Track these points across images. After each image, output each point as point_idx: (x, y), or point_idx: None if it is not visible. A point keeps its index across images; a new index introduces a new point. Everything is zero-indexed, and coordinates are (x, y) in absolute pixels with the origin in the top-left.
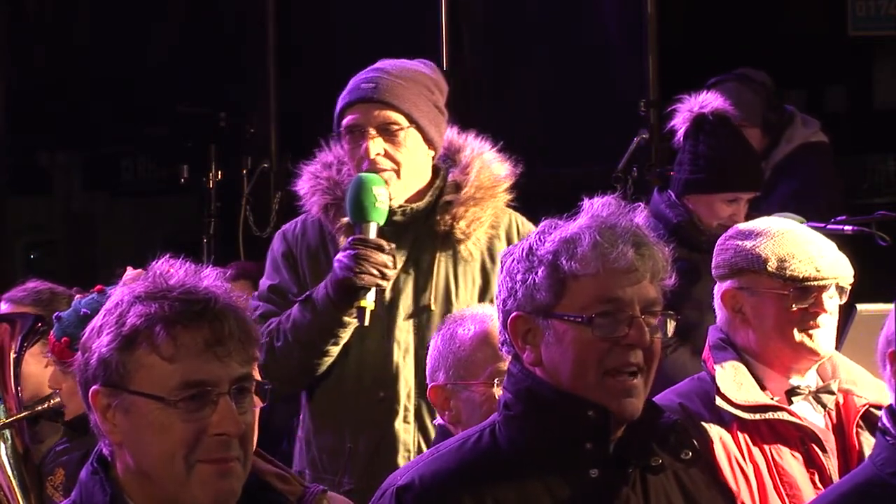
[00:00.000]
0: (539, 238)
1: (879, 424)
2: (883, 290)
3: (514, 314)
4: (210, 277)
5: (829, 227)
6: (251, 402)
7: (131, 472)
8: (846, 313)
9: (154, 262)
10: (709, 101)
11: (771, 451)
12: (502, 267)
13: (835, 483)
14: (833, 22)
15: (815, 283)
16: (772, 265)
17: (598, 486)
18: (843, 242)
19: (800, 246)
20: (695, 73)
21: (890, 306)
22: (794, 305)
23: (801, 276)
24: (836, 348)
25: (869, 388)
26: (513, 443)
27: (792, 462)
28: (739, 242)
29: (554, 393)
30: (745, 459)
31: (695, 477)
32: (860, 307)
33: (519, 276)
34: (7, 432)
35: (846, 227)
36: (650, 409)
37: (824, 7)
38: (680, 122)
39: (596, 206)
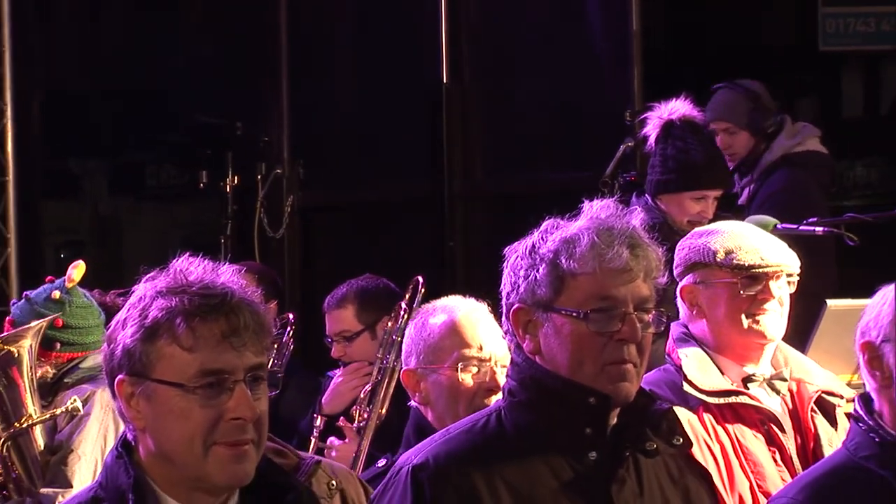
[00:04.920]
0: (541, 237)
1: (853, 412)
2: (851, 286)
3: (515, 306)
4: (227, 274)
5: (801, 228)
6: (265, 389)
7: (153, 456)
8: (817, 308)
9: (174, 261)
10: (677, 108)
11: (735, 433)
12: (506, 262)
13: (811, 466)
14: (805, 38)
15: (761, 270)
16: (721, 257)
17: (597, 467)
18: (823, 242)
19: (745, 239)
20: (677, 85)
21: (858, 301)
22: (742, 292)
23: (747, 265)
24: (807, 341)
25: (818, 377)
26: (518, 427)
27: (754, 442)
28: (693, 241)
29: (557, 381)
30: (712, 440)
31: (678, 462)
32: (830, 302)
33: (522, 272)
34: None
35: (817, 229)
36: (644, 397)
37: (797, 24)
38: (651, 128)
39: (595, 209)
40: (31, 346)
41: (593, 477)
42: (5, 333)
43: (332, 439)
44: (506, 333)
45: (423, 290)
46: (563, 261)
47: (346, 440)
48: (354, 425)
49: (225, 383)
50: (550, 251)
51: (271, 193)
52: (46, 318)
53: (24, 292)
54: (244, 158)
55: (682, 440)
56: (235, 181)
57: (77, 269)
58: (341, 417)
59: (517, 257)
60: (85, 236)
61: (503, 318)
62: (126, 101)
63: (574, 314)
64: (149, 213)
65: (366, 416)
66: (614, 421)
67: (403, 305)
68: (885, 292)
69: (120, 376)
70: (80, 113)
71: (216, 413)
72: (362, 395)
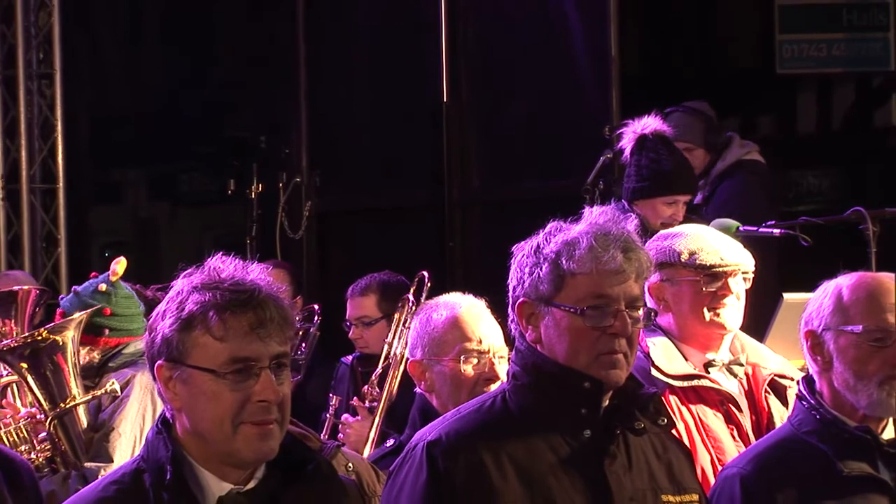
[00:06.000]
0: (545, 238)
1: (797, 392)
2: (805, 281)
3: (520, 300)
4: (255, 272)
5: (760, 230)
6: (287, 374)
7: (188, 433)
8: (774, 301)
9: (209, 259)
10: (649, 123)
11: (697, 412)
12: (514, 259)
13: (759, 439)
14: (764, 61)
15: (721, 269)
16: (685, 257)
17: (591, 444)
18: (771, 242)
19: (706, 241)
20: (650, 103)
21: (811, 295)
22: (704, 289)
23: (708, 265)
24: (765, 330)
25: (772, 362)
26: (520, 408)
27: (714, 420)
28: (659, 243)
29: (556, 367)
30: (677, 419)
31: (662, 439)
32: (787, 296)
33: (527, 269)
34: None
35: (775, 231)
36: (633, 382)
37: (757, 50)
38: (626, 141)
39: (595, 214)
40: (73, 335)
41: (588, 452)
42: (52, 324)
43: (346, 416)
44: (510, 323)
45: (429, 285)
46: (564, 261)
47: (359, 418)
48: (366, 404)
49: (252, 370)
50: (552, 252)
51: (291, 199)
52: (87, 310)
53: (73, 287)
54: (267, 168)
55: (666, 420)
56: (260, 188)
57: (119, 264)
58: (354, 397)
59: (523, 255)
60: (126, 238)
61: (509, 309)
62: (162, 117)
63: (572, 310)
64: (183, 217)
65: (377, 395)
66: (606, 403)
67: (410, 297)
68: (826, 286)
69: (159, 362)
70: (123, 128)
71: (244, 396)
72: (373, 378)
